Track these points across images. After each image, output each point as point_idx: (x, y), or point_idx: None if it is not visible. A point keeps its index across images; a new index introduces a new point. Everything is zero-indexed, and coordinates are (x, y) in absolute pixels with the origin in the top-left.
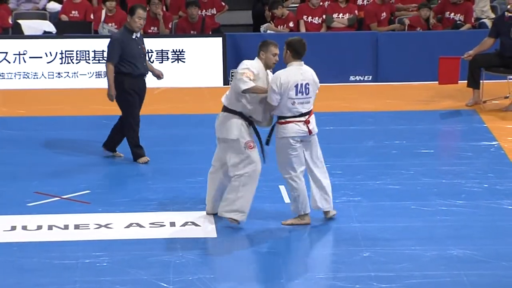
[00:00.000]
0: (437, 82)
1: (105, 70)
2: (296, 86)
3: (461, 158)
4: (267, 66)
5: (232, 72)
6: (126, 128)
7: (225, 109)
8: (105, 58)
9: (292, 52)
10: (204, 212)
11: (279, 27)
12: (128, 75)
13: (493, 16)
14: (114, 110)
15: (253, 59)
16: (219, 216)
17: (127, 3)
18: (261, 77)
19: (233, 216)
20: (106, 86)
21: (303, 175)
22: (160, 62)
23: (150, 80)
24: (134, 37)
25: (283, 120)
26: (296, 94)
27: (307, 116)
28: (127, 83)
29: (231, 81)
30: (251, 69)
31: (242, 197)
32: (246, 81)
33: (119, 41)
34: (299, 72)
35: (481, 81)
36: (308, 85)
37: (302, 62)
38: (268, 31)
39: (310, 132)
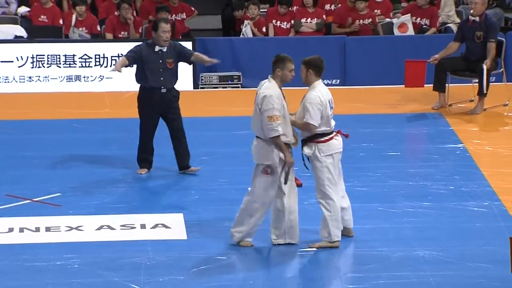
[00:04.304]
0: (403, 85)
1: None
2: (329, 102)
3: (427, 161)
4: (281, 83)
5: (202, 77)
6: (139, 135)
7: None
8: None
9: (315, 70)
10: (175, 214)
11: (255, 29)
12: (141, 87)
13: (458, 20)
14: (85, 113)
15: (226, 62)
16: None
17: (97, 8)
18: (280, 101)
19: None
20: (79, 90)
21: None
22: (130, 66)
23: (120, 84)
24: (157, 50)
25: (325, 138)
26: (330, 110)
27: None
28: (142, 95)
29: (200, 84)
30: (276, 108)
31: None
32: (276, 129)
33: (139, 52)
34: (326, 89)
35: (446, 85)
36: (331, 101)
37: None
38: (248, 30)
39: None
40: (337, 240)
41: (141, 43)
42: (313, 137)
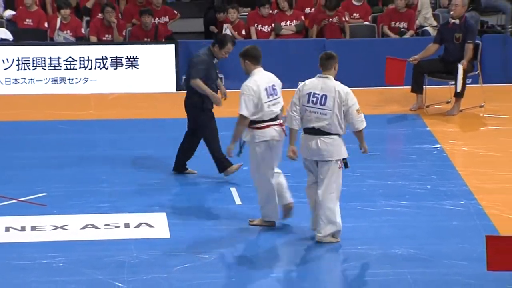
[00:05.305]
0: (383, 87)
1: (196, 86)
2: (267, 89)
3: (405, 161)
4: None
5: (183, 78)
6: (208, 143)
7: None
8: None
9: (251, 59)
10: (158, 214)
11: (235, 32)
12: (201, 95)
13: (435, 23)
14: (70, 115)
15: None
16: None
17: (81, 11)
18: None
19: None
20: (64, 92)
21: None
22: (114, 69)
23: (104, 86)
24: (214, 61)
25: (261, 125)
26: (268, 97)
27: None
28: (206, 103)
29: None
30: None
31: None
32: (364, 120)
33: (206, 62)
34: (267, 75)
35: (424, 87)
36: (272, 87)
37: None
38: (228, 31)
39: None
40: (266, 219)
41: (201, 55)
42: (250, 123)
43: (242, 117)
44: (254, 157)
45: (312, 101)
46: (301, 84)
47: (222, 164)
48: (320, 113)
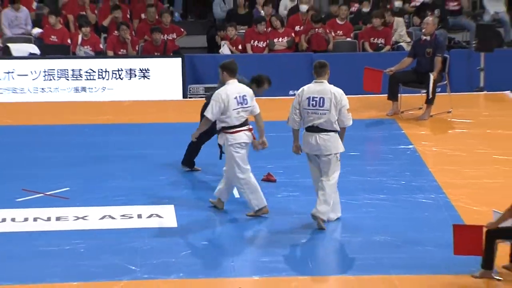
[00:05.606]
0: (363, 95)
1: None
2: (237, 98)
3: (382, 160)
4: None
5: (190, 88)
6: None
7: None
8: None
9: (228, 71)
10: (167, 206)
11: (233, 47)
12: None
13: (409, 40)
14: (90, 119)
15: (210, 75)
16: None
17: (100, 29)
18: None
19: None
20: (84, 99)
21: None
22: (128, 79)
23: (120, 94)
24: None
25: (232, 130)
26: (237, 105)
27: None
28: None
29: (189, 94)
30: None
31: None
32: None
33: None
34: (238, 87)
35: (399, 95)
36: (242, 97)
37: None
38: (225, 49)
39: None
40: (257, 208)
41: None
42: (223, 129)
43: (206, 118)
44: (229, 158)
45: (312, 104)
46: (299, 90)
47: (190, 161)
48: (320, 113)
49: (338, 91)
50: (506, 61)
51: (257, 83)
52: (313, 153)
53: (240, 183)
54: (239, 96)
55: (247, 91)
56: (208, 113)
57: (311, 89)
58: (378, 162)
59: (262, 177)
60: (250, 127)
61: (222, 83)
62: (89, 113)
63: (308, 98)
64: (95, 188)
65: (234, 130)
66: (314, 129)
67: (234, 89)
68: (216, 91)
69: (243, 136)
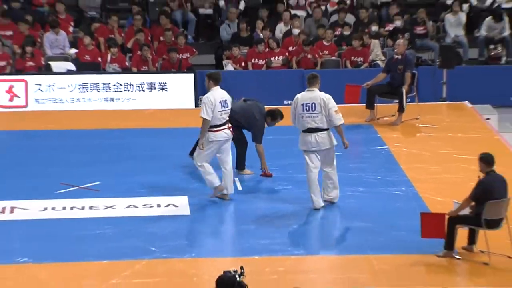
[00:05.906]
0: (345, 105)
1: (258, 150)
2: (221, 102)
3: (362, 158)
4: None
5: (200, 98)
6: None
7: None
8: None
9: (213, 80)
10: (182, 197)
11: (237, 64)
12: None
13: (383, 58)
14: (117, 125)
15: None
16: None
17: (125, 49)
18: None
19: None
20: (113, 108)
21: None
22: (150, 91)
23: (142, 104)
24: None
25: (215, 129)
26: (221, 108)
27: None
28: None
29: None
30: None
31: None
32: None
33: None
34: (221, 93)
35: (375, 104)
36: (225, 101)
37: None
38: (229, 67)
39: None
40: (213, 186)
41: (261, 122)
42: (209, 127)
43: (204, 119)
44: (204, 149)
45: (306, 109)
46: (295, 98)
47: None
48: (313, 116)
49: (326, 96)
50: (465, 76)
51: (272, 116)
52: (312, 149)
53: (199, 167)
54: (223, 100)
55: (228, 96)
56: (204, 114)
57: (304, 96)
58: (358, 160)
59: (261, 173)
60: (229, 125)
61: (208, 89)
62: (116, 120)
63: (303, 105)
64: (122, 182)
65: (216, 129)
66: (312, 130)
67: (218, 95)
68: (205, 95)
69: (223, 134)
